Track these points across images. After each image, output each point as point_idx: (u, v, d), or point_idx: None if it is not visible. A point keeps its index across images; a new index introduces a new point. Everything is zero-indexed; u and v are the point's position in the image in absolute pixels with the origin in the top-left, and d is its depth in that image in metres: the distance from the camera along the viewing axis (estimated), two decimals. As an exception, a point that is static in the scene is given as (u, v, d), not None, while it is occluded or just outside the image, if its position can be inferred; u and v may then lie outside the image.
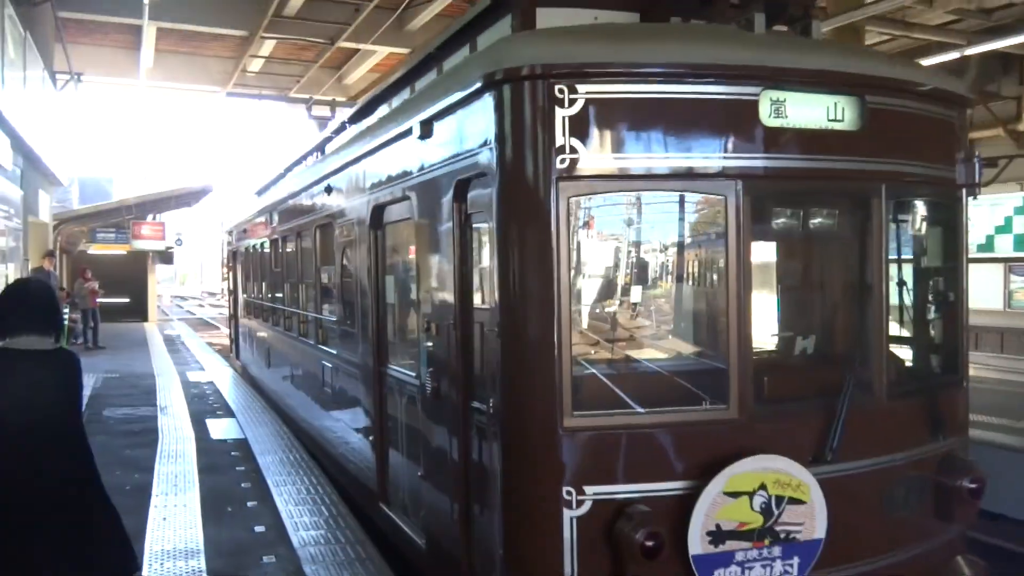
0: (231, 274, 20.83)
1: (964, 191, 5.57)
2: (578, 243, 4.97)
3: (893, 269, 5.40)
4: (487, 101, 4.84)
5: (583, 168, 4.53)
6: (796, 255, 6.12)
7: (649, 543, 4.34)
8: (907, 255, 5.71)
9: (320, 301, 10.30)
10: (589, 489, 4.53)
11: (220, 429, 12.31)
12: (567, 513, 4.51)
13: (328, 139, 11.32)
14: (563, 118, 4.47)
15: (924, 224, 6.00)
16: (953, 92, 5.52)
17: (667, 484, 4.59)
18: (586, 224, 5.09)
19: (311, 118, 19.22)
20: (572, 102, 4.48)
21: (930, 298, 5.96)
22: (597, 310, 5.46)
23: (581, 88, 4.48)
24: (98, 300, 24.84)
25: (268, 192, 15.02)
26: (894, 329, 5.53)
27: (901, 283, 5.56)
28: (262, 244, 14.85)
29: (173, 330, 32.46)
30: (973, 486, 5.22)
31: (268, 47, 25.51)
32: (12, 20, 13.25)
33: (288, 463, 10.07)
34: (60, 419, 4.38)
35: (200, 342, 26.95)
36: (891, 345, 5.42)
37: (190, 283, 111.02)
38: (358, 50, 24.46)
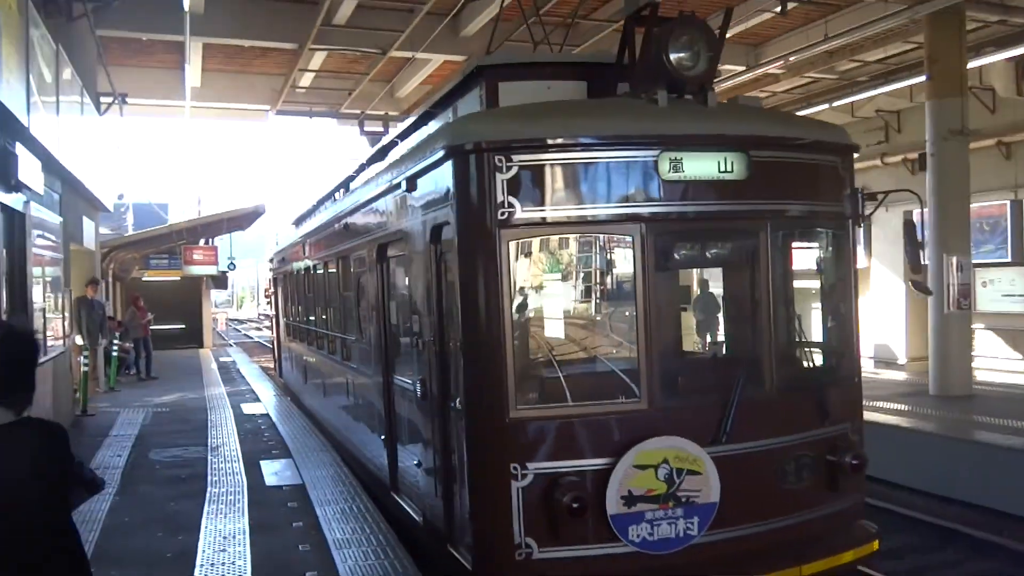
0: (274, 298, 22.58)
1: (851, 221, 6.68)
2: (518, 276, 6.10)
3: (787, 287, 6.68)
4: (447, 167, 6.09)
5: (518, 218, 5.75)
6: (699, 280, 7.40)
7: (575, 505, 5.55)
8: (799, 275, 6.99)
9: (343, 323, 11.51)
10: (531, 465, 5.73)
11: (275, 473, 11.02)
12: (514, 484, 5.70)
13: (351, 177, 12.31)
14: (502, 180, 5.68)
15: (817, 250, 7.13)
16: (834, 142, 6.67)
17: (591, 460, 5.76)
18: (526, 259, 6.35)
19: (363, 134, 18.07)
20: (508, 168, 5.68)
21: (822, 310, 7.10)
22: (536, 326, 6.68)
23: (515, 157, 5.69)
24: (152, 327, 23.91)
25: (303, 224, 16.65)
26: (788, 336, 6.84)
27: (790, 300, 6.72)
28: (297, 271, 16.43)
29: (228, 356, 31.49)
30: (855, 462, 6.40)
31: (318, 60, 24.39)
32: (45, 38, 12.18)
33: (351, 515, 8.71)
34: (30, 510, 3.41)
35: (255, 369, 25.86)
36: (787, 349, 6.74)
37: (247, 306, 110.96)
38: (410, 59, 23.20)
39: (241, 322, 78.47)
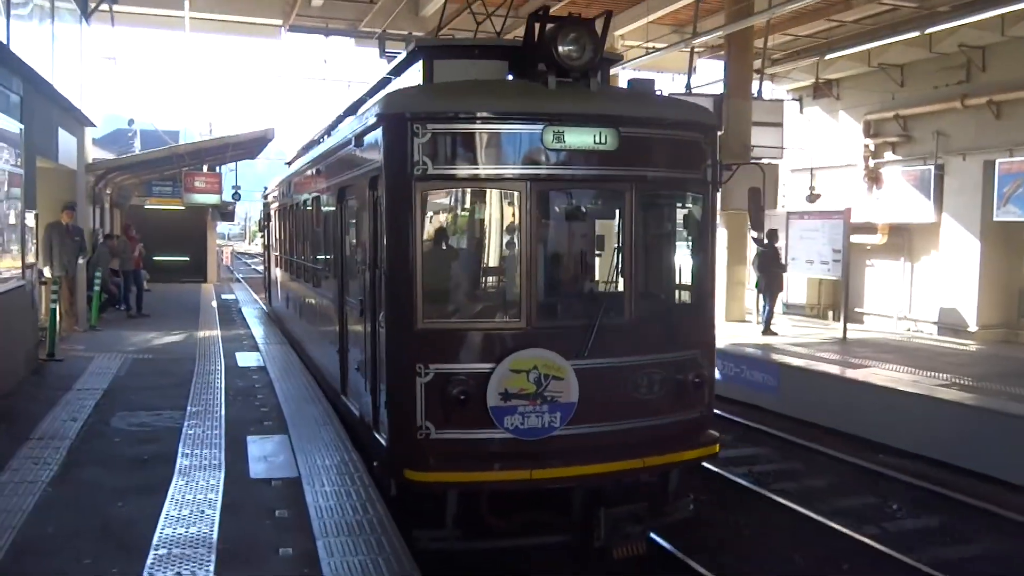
0: (265, 232, 23.79)
1: (710, 186, 7.89)
2: (430, 219, 7.54)
3: (647, 237, 7.90)
4: (379, 131, 7.49)
5: (430, 174, 7.05)
6: (568, 230, 8.08)
7: (463, 397, 6.92)
8: (662, 229, 8.43)
9: (314, 254, 12.83)
10: (432, 366, 7.02)
11: (264, 458, 8.41)
12: (418, 380, 7.01)
13: (332, 125, 13.34)
14: (418, 143, 6.98)
15: (679, 208, 8.37)
16: (696, 121, 7.92)
17: (478, 364, 7.08)
18: (437, 206, 7.78)
19: (384, 56, 15.36)
20: (424, 134, 6.98)
21: (684, 257, 8.36)
22: (443, 258, 7.83)
23: (429, 126, 7.00)
24: (154, 259, 21.12)
25: (291, 165, 17.98)
26: (647, 277, 7.98)
27: (650, 247, 8.01)
28: (282, 209, 17.97)
29: (231, 293, 28.75)
30: (697, 380, 7.75)
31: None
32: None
33: (369, 543, 6.10)
34: None
35: (258, 310, 23.15)
36: (645, 287, 7.86)
37: (259, 240, 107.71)
38: (437, -30, 20.21)
39: (252, 256, 75.66)
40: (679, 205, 8.29)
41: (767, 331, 19.02)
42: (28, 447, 8.57)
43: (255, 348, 15.82)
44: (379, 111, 7.50)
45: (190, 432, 9.24)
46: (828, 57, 22.63)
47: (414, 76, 8.54)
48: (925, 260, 23.77)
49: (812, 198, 22.37)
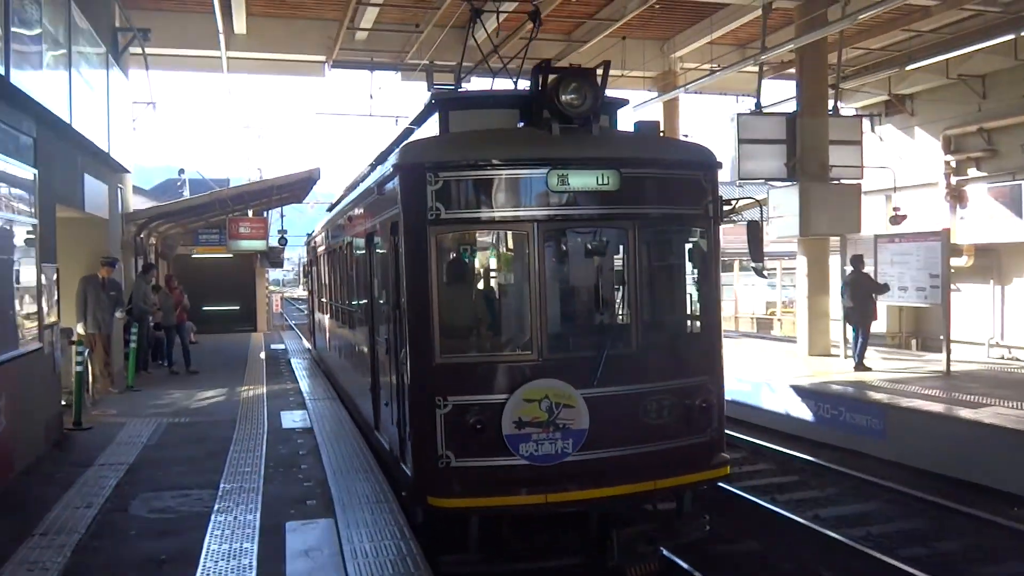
0: (308, 278, 23.91)
1: (712, 221, 8.21)
2: (445, 260, 7.92)
3: (652, 271, 8.35)
4: (396, 180, 7.98)
5: (443, 218, 7.44)
6: (575, 266, 8.19)
7: (478, 426, 7.28)
8: (665, 262, 8.70)
9: (348, 296, 13.19)
10: (450, 398, 7.37)
11: (307, 550, 6.85)
12: (438, 412, 7.35)
13: (367, 173, 12.82)
14: (431, 191, 7.37)
15: (682, 243, 8.59)
16: (696, 160, 8.32)
17: (493, 395, 7.39)
18: (452, 248, 8.17)
19: (433, 89, 14.04)
20: (436, 181, 7.38)
21: (688, 289, 8.67)
22: (456, 299, 8.10)
23: (441, 174, 7.41)
24: (204, 308, 19.79)
25: (330, 212, 17.90)
26: (652, 309, 8.35)
27: (655, 281, 8.49)
28: (321, 254, 18.24)
29: (280, 343, 27.45)
30: (704, 405, 8.02)
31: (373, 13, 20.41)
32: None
33: None
34: None
35: (307, 362, 21.72)
36: (650, 319, 8.20)
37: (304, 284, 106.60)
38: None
39: (303, 301, 74.75)
40: (682, 239, 8.59)
41: (860, 366, 17.12)
42: (29, 546, 7.10)
43: (302, 405, 14.35)
44: (395, 162, 8.02)
45: (219, 519, 7.71)
46: (908, 68, 20.84)
47: (432, 127, 8.97)
48: (1017, 282, 21.87)
49: (896, 219, 20.51)
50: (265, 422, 12.70)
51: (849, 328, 17.79)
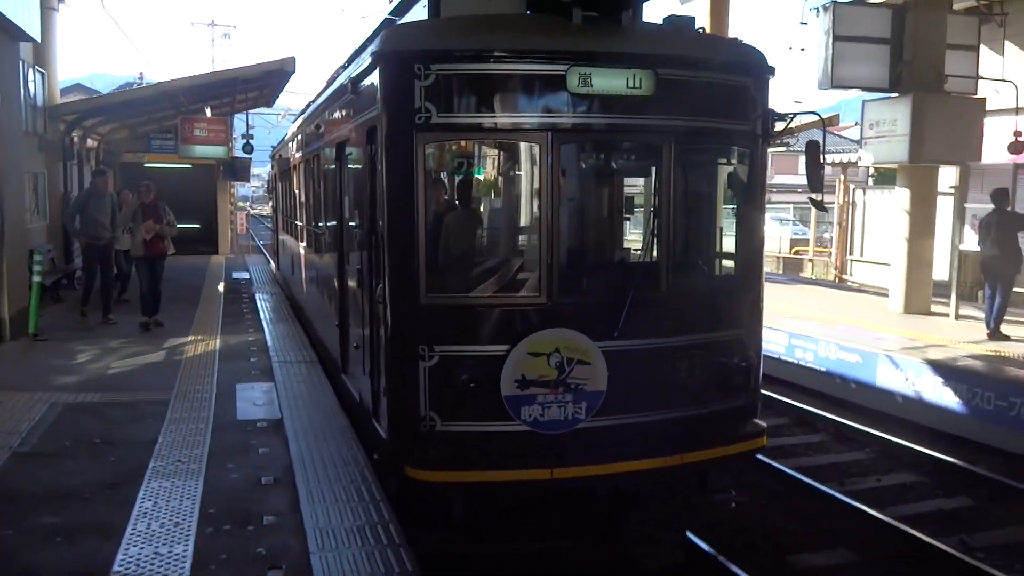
0: (272, 195, 21.27)
1: (760, 139, 6.64)
2: (435, 176, 6.46)
3: (688, 199, 6.67)
4: (376, 73, 6.18)
5: (434, 123, 5.77)
6: (595, 190, 7.26)
7: (472, 384, 5.79)
8: (704, 189, 7.09)
9: (314, 217, 11.32)
10: (437, 348, 5.88)
11: None
12: (421, 364, 5.87)
13: (336, 74, 10.38)
14: (420, 87, 5.72)
15: (724, 165, 7.09)
16: (746, 63, 6.62)
17: (491, 346, 5.90)
18: (444, 161, 6.59)
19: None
20: (427, 76, 5.72)
21: (727, 222, 7.13)
22: (448, 225, 6.52)
23: (433, 66, 5.73)
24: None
25: (295, 124, 14.98)
26: (686, 245, 6.74)
27: (691, 211, 6.84)
28: (284, 168, 16.27)
29: (245, 271, 22.70)
30: (743, 364, 6.57)
31: None
32: None
33: None
34: None
35: (276, 299, 17.11)
36: (684, 258, 6.65)
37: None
38: None
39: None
40: (725, 161, 7.13)
41: (996, 333, 13.03)
42: None
43: (267, 372, 9.93)
44: (376, 48, 6.23)
45: None
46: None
47: (419, 14, 7.42)
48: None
49: (1018, 147, 16.27)
50: (212, 406, 8.36)
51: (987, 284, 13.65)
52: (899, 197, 15.86)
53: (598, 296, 6.35)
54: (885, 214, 20.53)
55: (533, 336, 5.87)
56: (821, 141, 6.90)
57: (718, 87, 6.44)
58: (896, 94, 15.37)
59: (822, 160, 6.88)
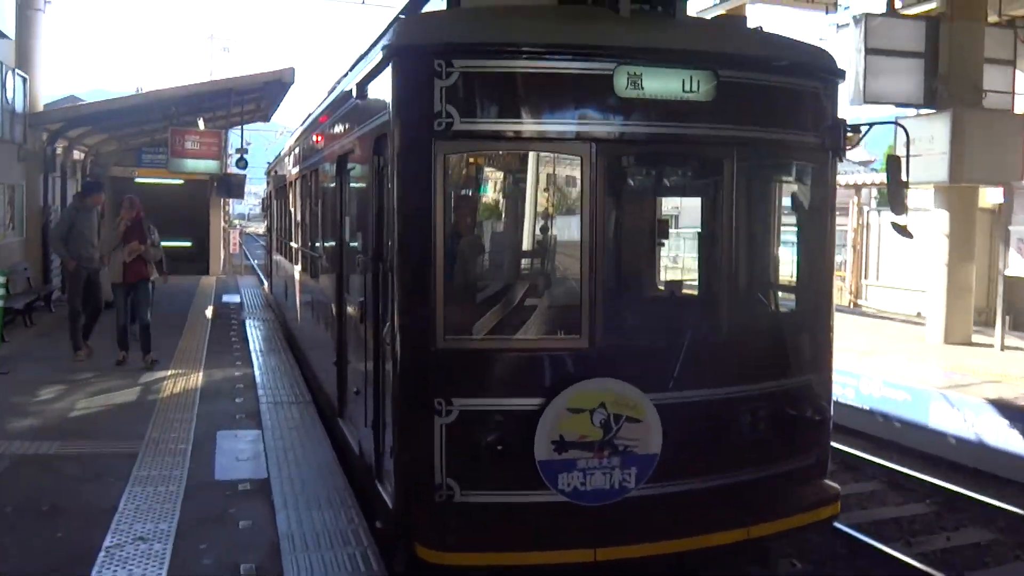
0: (267, 213, 20.19)
1: (831, 153, 5.73)
2: (455, 193, 5.48)
3: (753, 222, 5.82)
4: (388, 72, 5.24)
5: (456, 130, 4.87)
6: (645, 211, 6.52)
7: (498, 446, 4.84)
8: (769, 211, 6.15)
9: (311, 239, 10.25)
10: (456, 401, 4.94)
11: None
12: (437, 420, 4.92)
13: (340, 80, 8.97)
14: (441, 88, 4.82)
15: (790, 183, 6.25)
16: (816, 65, 5.70)
17: (522, 400, 4.94)
18: (466, 175, 5.63)
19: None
20: (449, 74, 4.84)
21: (794, 251, 6.16)
22: (471, 252, 5.68)
23: (456, 63, 4.84)
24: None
25: (293, 137, 13.82)
26: (751, 278, 5.90)
27: (756, 237, 5.90)
28: (280, 184, 15.08)
29: (236, 294, 21.35)
30: (817, 418, 5.62)
31: None
32: None
33: None
34: None
35: (268, 326, 15.81)
36: (748, 292, 5.84)
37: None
38: None
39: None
40: (790, 179, 6.25)
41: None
42: None
43: (255, 416, 8.71)
44: (388, 42, 5.28)
45: None
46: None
47: (437, 3, 6.33)
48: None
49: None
50: (187, 460, 7.14)
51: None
52: (937, 219, 14.74)
53: (650, 338, 5.57)
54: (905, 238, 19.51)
55: (573, 388, 4.94)
56: (905, 156, 5.89)
57: (785, 93, 5.60)
58: (931, 110, 14.35)
59: (904, 178, 5.86)
